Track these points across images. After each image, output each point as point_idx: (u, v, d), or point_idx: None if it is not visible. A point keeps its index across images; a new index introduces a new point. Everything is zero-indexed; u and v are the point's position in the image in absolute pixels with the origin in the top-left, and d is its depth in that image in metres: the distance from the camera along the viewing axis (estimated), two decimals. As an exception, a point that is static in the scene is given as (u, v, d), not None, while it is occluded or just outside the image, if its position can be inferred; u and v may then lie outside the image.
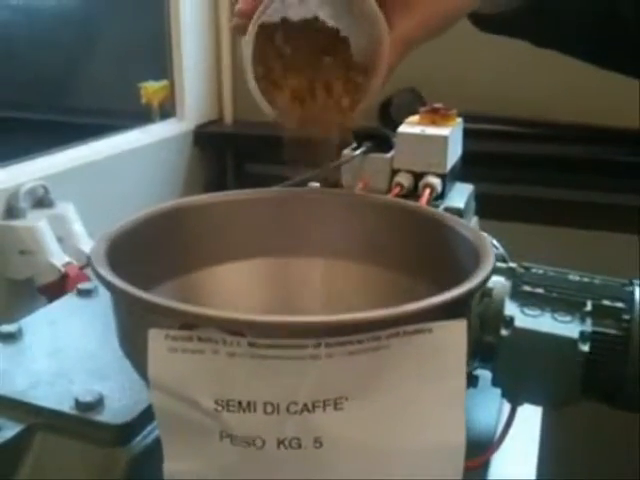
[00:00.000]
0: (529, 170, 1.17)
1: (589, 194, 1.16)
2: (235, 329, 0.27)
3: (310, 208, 0.44)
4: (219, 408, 0.29)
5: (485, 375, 0.72)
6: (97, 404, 0.41)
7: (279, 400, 0.28)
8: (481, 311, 0.67)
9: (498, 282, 0.70)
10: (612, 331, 0.63)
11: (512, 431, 0.70)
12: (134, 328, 0.29)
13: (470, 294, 0.30)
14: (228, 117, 1.34)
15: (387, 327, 0.28)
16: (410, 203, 0.44)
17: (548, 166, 1.15)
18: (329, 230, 0.43)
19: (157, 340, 0.28)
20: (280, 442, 0.29)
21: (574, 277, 0.69)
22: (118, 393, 0.43)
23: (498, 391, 0.69)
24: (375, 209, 0.43)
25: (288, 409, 0.28)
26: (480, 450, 0.70)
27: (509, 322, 0.64)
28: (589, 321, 0.63)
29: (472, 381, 0.70)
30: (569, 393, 0.63)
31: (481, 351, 0.67)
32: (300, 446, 0.29)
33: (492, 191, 1.00)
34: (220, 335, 0.28)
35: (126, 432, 0.41)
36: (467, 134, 0.80)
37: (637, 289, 0.66)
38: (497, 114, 1.16)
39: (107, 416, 0.41)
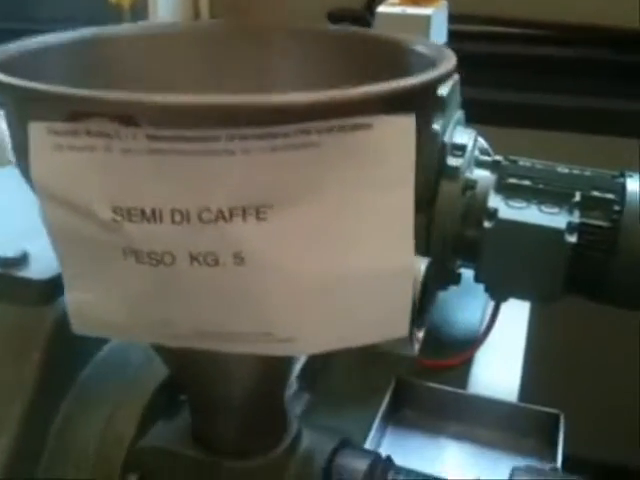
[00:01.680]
0: (517, 73, 1.12)
1: (579, 98, 1.11)
2: (126, 115, 0.22)
3: (258, 45, 0.38)
4: (118, 218, 0.24)
5: (468, 275, 0.68)
6: (20, 260, 0.37)
7: (189, 206, 0.24)
8: (464, 204, 0.63)
9: (482, 175, 0.65)
10: (601, 222, 0.59)
11: (499, 332, 0.67)
12: (19, 130, 0.25)
13: (420, 89, 0.25)
14: (205, 18, 1.27)
15: (317, 118, 0.23)
16: (359, 29, 0.38)
17: (535, 68, 1.10)
18: (281, 69, 0.38)
19: (39, 136, 0.23)
20: (193, 258, 0.24)
21: (563, 169, 0.65)
22: (44, 251, 0.38)
23: (482, 289, 0.66)
24: (325, 40, 0.37)
25: (200, 217, 0.24)
26: (464, 348, 0.67)
27: (493, 214, 0.60)
28: (577, 212, 0.60)
29: (455, 278, 0.67)
30: (554, 286, 0.60)
31: (464, 247, 0.63)
32: (217, 263, 0.24)
33: (481, 96, 0.95)
34: (112, 127, 0.23)
35: (52, 289, 0.37)
36: (453, 35, 0.75)
37: (629, 180, 0.62)
38: (485, 13, 1.10)
39: (30, 272, 0.37)
